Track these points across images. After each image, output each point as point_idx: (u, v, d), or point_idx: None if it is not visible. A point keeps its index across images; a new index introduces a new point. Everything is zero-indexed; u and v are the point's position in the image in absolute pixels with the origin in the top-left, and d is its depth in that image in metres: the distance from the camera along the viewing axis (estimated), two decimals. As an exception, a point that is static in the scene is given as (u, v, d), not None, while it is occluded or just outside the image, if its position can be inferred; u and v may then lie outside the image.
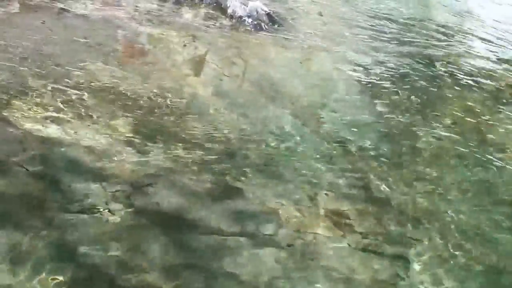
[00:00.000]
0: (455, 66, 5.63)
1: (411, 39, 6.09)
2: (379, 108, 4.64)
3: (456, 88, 5.22)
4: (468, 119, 4.73)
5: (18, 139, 3.43)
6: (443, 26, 6.64)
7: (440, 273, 3.17)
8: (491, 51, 6.20)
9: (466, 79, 5.42)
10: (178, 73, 4.53)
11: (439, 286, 3.09)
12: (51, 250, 2.80)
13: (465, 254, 3.34)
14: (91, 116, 3.77)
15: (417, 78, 5.25)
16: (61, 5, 5.13)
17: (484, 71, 5.66)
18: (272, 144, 3.93)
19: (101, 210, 3.09)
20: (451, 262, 3.26)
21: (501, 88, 5.36)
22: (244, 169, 3.63)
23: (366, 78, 5.08)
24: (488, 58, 5.99)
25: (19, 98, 3.78)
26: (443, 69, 5.54)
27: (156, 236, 3.01)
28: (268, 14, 5.81)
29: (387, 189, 3.72)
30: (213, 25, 5.49)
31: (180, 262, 2.91)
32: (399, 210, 3.57)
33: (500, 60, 5.99)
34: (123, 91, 4.11)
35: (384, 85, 5.02)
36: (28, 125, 3.56)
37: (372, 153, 4.05)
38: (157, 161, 3.53)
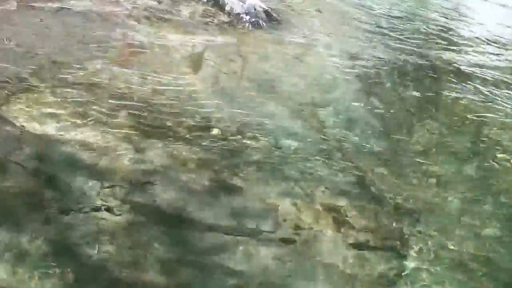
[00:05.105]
0: (453, 63, 5.64)
1: (409, 35, 6.09)
2: (377, 105, 4.65)
3: (454, 84, 5.23)
4: (465, 115, 4.75)
5: (16, 137, 3.43)
6: (441, 23, 6.64)
7: (437, 269, 3.18)
8: (488, 48, 6.20)
9: (463, 76, 5.43)
10: (176, 70, 4.53)
11: (436, 282, 3.10)
12: (49, 248, 2.80)
13: (463, 250, 3.35)
14: (89, 114, 3.76)
15: (414, 75, 5.26)
16: (59, 3, 5.11)
17: (481, 67, 5.66)
18: (270, 141, 3.93)
19: (99, 207, 3.09)
20: (449, 258, 3.27)
21: (498, 85, 5.37)
22: (242, 166, 3.63)
23: (364, 75, 5.08)
24: (485, 55, 6.00)
25: (17, 96, 3.78)
26: (441, 65, 5.55)
27: (154, 234, 3.01)
28: (266, 11, 5.80)
29: (384, 185, 3.73)
30: (211, 22, 5.48)
31: (178, 259, 2.91)
32: (396, 206, 3.58)
33: (497, 57, 6.00)
34: (121, 88, 4.11)
35: (382, 81, 5.03)
36: (25, 123, 3.56)
37: (369, 149, 4.06)
38: (155, 158, 3.53)
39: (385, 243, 3.29)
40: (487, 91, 5.21)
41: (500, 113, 4.86)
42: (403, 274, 3.11)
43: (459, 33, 6.47)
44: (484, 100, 5.05)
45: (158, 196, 3.25)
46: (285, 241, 3.16)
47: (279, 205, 3.38)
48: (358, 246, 3.22)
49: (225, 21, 5.57)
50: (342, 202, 3.51)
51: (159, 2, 5.60)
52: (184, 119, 3.95)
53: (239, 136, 3.90)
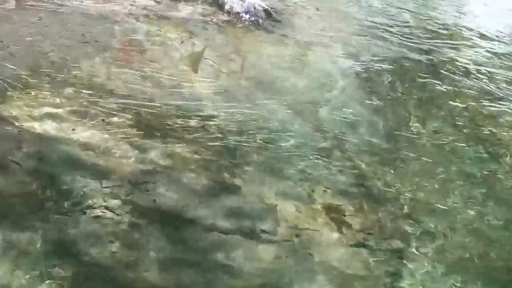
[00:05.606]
0: (453, 62, 5.63)
1: (409, 34, 6.09)
2: (377, 104, 4.65)
3: (456, 82, 5.22)
4: (466, 114, 4.75)
5: (14, 136, 3.43)
6: (442, 22, 6.64)
7: (437, 269, 3.18)
8: (489, 47, 6.20)
9: (466, 74, 5.42)
10: (175, 69, 4.52)
11: (435, 282, 3.11)
12: (48, 248, 2.80)
13: (462, 250, 3.35)
14: (88, 113, 3.76)
15: (414, 73, 5.25)
16: (58, 1, 5.10)
17: (484, 66, 5.66)
18: (270, 140, 3.93)
19: (99, 207, 3.09)
20: (448, 258, 3.27)
21: (502, 83, 5.37)
22: (242, 165, 3.63)
23: (364, 73, 5.08)
24: (485, 54, 5.99)
25: (15, 95, 3.77)
26: (441, 64, 5.55)
27: (154, 233, 3.01)
28: (265, 10, 5.79)
29: (384, 184, 3.73)
30: (210, 21, 5.47)
31: (178, 259, 2.91)
32: (396, 205, 3.58)
33: (498, 57, 5.99)
34: (121, 88, 4.10)
35: (382, 80, 5.02)
36: (24, 122, 3.55)
37: (369, 148, 4.06)
38: (155, 158, 3.53)
39: (384, 244, 3.29)
40: (491, 90, 5.21)
41: (504, 112, 4.86)
42: (403, 274, 3.11)
43: (460, 31, 6.46)
44: (488, 98, 5.04)
45: (158, 196, 3.25)
46: (285, 241, 3.16)
47: (278, 205, 3.38)
48: (357, 246, 3.23)
49: (225, 20, 5.56)
50: (341, 202, 3.51)
51: (158, 2, 5.59)
52: (183, 118, 3.94)
53: (239, 136, 3.90)
